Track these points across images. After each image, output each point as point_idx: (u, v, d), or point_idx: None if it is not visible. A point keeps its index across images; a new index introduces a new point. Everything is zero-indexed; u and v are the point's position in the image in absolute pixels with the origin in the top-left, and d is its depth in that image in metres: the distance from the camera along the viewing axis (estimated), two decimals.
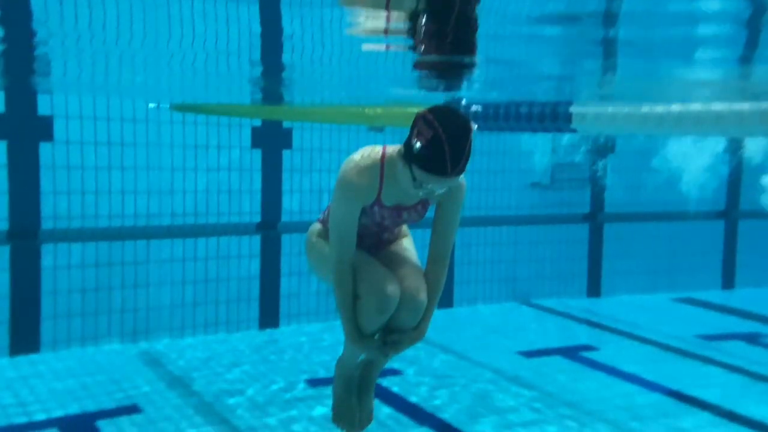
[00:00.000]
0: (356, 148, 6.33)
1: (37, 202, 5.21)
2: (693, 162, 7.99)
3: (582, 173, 7.63)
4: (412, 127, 2.20)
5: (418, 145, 2.14)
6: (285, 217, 6.18)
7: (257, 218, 6.08)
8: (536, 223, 7.42)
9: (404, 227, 2.66)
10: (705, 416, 4.40)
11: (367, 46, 2.99)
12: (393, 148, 2.35)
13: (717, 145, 8.18)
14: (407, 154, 2.20)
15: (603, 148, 7.67)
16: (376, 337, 2.44)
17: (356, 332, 2.41)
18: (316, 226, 2.62)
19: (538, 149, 7.39)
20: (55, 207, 5.27)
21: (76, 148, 5.32)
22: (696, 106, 4.12)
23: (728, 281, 8.58)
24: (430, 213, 2.58)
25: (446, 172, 2.13)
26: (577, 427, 4.12)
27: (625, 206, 7.82)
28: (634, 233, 7.94)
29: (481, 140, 7.05)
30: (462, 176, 2.31)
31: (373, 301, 2.34)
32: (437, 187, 2.18)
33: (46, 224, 5.25)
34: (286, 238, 6.20)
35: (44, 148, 5.21)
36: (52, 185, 5.25)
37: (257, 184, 6.07)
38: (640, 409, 4.46)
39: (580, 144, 7.57)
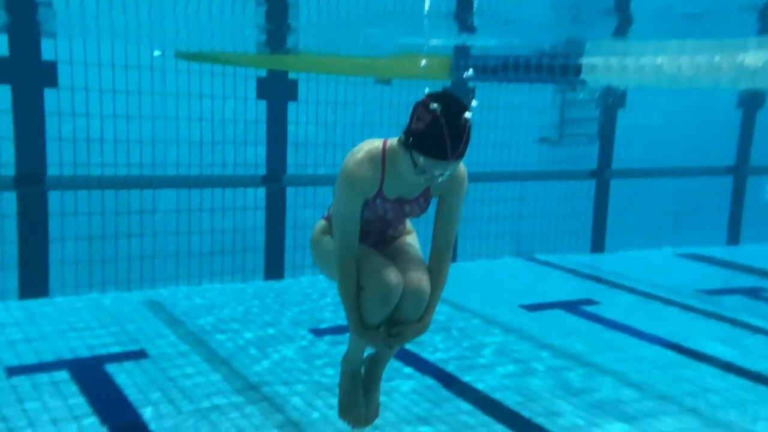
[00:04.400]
0: (362, 102, 6.39)
1: (42, 148, 5.21)
2: (704, 117, 7.91)
3: (591, 128, 7.56)
4: (412, 114, 2.22)
5: (418, 129, 2.15)
6: (290, 170, 6.17)
7: (262, 170, 6.07)
8: (543, 179, 7.40)
9: (408, 225, 2.68)
10: (704, 368, 4.45)
11: None
12: (393, 140, 2.35)
13: (729, 99, 8.08)
14: (407, 140, 2.21)
15: (613, 103, 7.59)
16: (381, 329, 2.47)
17: (360, 324, 2.45)
18: (321, 223, 2.64)
19: (547, 103, 7.32)
20: (60, 154, 5.28)
21: (81, 95, 5.29)
22: (710, 58, 4.05)
23: (733, 237, 8.60)
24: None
25: (446, 156, 2.15)
26: (576, 379, 4.18)
27: (634, 162, 7.79)
28: (641, 189, 7.93)
29: (489, 94, 7.01)
30: (464, 166, 2.33)
31: (377, 292, 2.38)
32: (438, 171, 2.18)
33: (52, 171, 5.27)
34: (291, 191, 6.21)
35: (49, 94, 5.19)
36: (58, 132, 5.24)
37: (262, 135, 6.04)
38: (640, 361, 4.51)
39: (589, 98, 7.48)
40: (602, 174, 7.73)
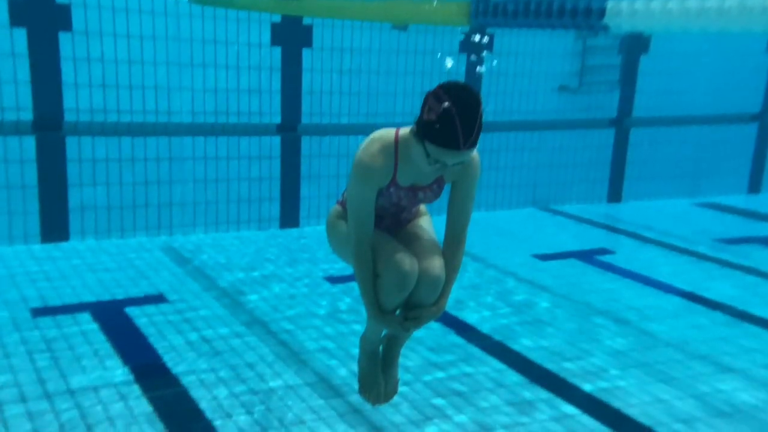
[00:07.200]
0: (378, 49, 6.27)
1: (59, 93, 5.22)
2: (730, 63, 7.68)
3: (612, 76, 7.39)
4: (423, 104, 2.24)
5: (430, 120, 2.17)
6: (305, 119, 6.14)
7: (277, 119, 6.04)
8: (561, 128, 7.29)
9: (422, 207, 2.70)
10: (716, 316, 4.47)
11: None
12: (406, 129, 2.38)
13: (758, 43, 7.81)
14: (419, 130, 2.23)
15: (635, 49, 7.39)
16: (397, 313, 2.53)
17: (377, 309, 2.51)
18: (336, 208, 2.68)
19: (567, 50, 7.14)
20: (77, 100, 5.29)
21: (96, 40, 5.26)
22: None
23: (755, 185, 8.48)
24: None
25: (459, 146, 2.17)
26: (589, 327, 4.22)
27: (655, 110, 7.63)
28: (661, 138, 7.80)
29: (508, 41, 6.85)
30: (476, 153, 2.34)
31: (392, 279, 2.42)
32: (451, 161, 2.20)
33: (69, 117, 5.30)
34: (305, 140, 6.19)
35: (63, 39, 5.16)
36: (74, 77, 5.24)
37: (277, 83, 5.99)
38: (652, 309, 4.53)
39: (611, 45, 7.28)
40: (622, 123, 7.60)
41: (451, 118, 2.13)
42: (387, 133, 2.42)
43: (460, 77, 6.66)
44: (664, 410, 3.27)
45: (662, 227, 6.66)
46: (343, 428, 3.02)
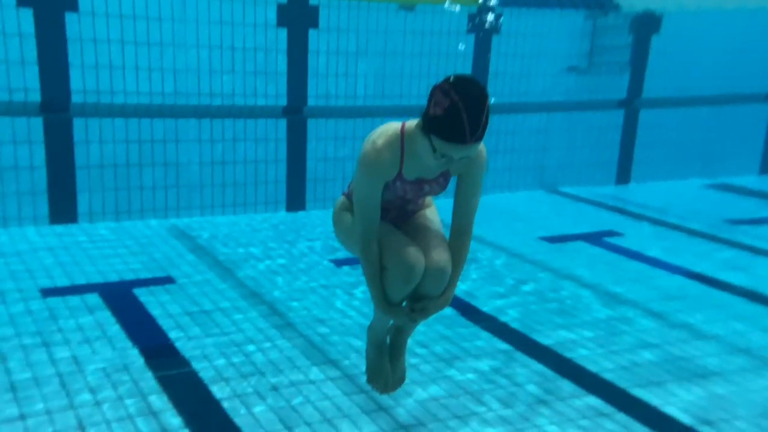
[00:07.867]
0: (385, 29, 6.21)
1: (66, 74, 5.21)
2: (743, 41, 7.58)
3: (622, 56, 7.31)
4: (429, 98, 2.24)
5: (436, 114, 2.18)
6: (311, 102, 6.11)
7: (283, 101, 6.02)
8: (570, 109, 7.23)
9: (428, 198, 2.68)
10: (726, 297, 4.45)
11: None
12: (411, 123, 2.39)
13: None
14: (426, 125, 2.23)
15: (646, 29, 7.30)
16: (404, 304, 2.54)
17: (384, 301, 2.53)
18: (342, 200, 2.69)
19: (577, 30, 7.06)
20: (84, 81, 5.28)
21: (102, 21, 5.24)
22: None
23: (767, 166, 8.40)
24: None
25: (465, 140, 2.17)
26: (597, 309, 4.20)
27: (666, 91, 7.55)
28: (672, 119, 7.72)
29: (517, 21, 6.79)
30: (483, 146, 2.32)
31: (399, 272, 2.43)
32: (457, 155, 2.21)
33: (76, 98, 5.29)
34: (312, 123, 6.16)
35: (70, 20, 5.14)
36: (80, 58, 5.23)
37: (283, 65, 5.96)
38: (661, 290, 4.51)
39: (622, 24, 7.20)
40: (631, 104, 7.52)
41: (458, 112, 2.13)
42: (393, 127, 2.42)
43: (468, 57, 6.60)
44: (680, 395, 3.26)
45: (672, 208, 6.61)
46: (343, 403, 3.03)
